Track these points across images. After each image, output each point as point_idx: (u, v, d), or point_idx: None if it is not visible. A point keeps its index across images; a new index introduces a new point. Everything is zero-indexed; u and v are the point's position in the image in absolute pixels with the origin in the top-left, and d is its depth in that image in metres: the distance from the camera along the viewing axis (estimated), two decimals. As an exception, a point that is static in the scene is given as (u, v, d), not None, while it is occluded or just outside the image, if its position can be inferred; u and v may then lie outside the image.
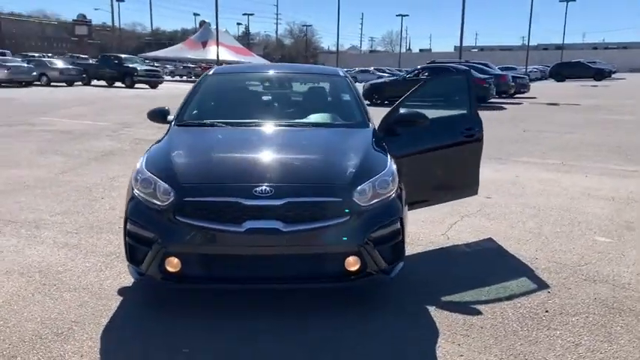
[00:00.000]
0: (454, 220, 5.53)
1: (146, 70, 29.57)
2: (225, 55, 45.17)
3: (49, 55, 46.60)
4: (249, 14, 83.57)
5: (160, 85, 30.15)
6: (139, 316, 3.35)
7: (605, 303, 3.66)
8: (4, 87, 25.57)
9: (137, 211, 3.32)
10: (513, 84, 23.53)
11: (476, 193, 5.15)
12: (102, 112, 16.31)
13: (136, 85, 29.00)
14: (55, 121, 13.66)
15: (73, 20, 80.00)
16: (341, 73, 5.10)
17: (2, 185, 6.71)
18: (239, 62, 46.57)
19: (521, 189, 7.02)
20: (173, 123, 4.33)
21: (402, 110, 4.56)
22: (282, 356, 2.92)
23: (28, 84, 26.40)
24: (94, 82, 30.66)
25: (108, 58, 30.57)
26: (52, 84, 27.72)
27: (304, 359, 2.90)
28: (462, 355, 2.95)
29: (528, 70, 46.62)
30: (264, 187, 3.18)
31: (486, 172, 8.08)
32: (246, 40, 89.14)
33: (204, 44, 43.86)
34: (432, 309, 3.50)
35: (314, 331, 3.19)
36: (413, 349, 3.01)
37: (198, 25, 66.04)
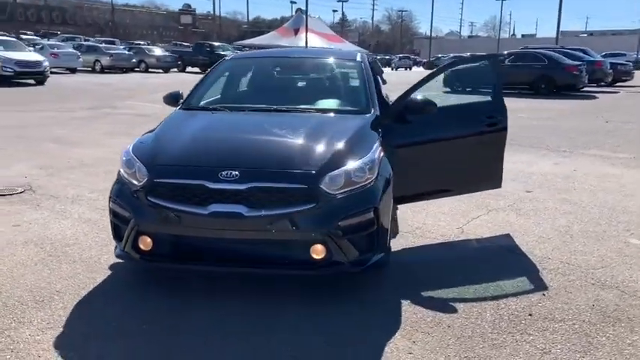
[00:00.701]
0: (478, 214, 5.27)
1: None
2: (316, 41, 45.60)
3: (149, 43, 49.39)
4: (343, 0, 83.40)
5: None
6: (115, 291, 3.51)
7: (603, 310, 3.35)
8: (106, 73, 27.51)
9: (119, 191, 3.48)
10: (611, 71, 21.75)
11: (499, 185, 4.87)
12: (183, 97, 17.11)
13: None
14: (136, 105, 14.52)
15: (179, 10, 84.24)
16: (358, 58, 4.98)
17: (62, 163, 7.26)
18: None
19: (570, 184, 6.54)
20: (178, 107, 4.47)
21: (410, 97, 4.40)
22: (241, 334, 2.95)
23: (128, 70, 28.19)
24: (189, 68, 32.12)
25: (201, 45, 31.90)
26: (149, 70, 29.43)
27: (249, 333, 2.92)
28: (410, 353, 2.83)
29: (640, 56, 42.88)
30: (229, 171, 3.22)
31: (543, 164, 7.66)
32: (341, 27, 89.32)
33: (296, 31, 44.48)
34: (405, 303, 3.38)
35: (276, 311, 3.19)
36: (362, 343, 2.93)
37: (294, 13, 66.82)
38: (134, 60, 28.38)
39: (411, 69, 55.25)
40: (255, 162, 3.35)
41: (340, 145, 3.57)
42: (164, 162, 3.39)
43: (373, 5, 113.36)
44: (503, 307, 3.37)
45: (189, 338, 2.93)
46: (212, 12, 73.28)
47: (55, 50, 25.12)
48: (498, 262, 4.13)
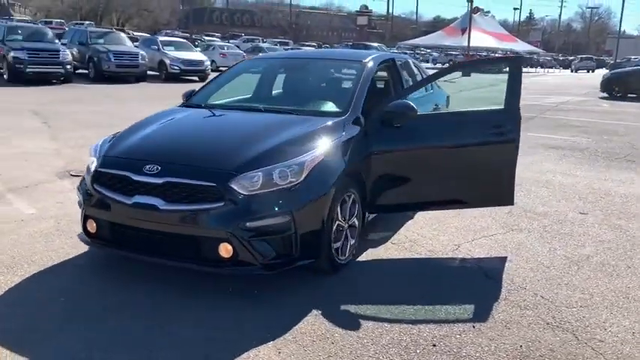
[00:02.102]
0: (493, 233, 4.80)
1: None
2: (484, 41, 43.65)
3: (321, 44, 51.53)
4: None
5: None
6: (75, 267, 3.90)
7: (529, 355, 2.91)
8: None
9: (81, 180, 3.90)
10: None
11: (510, 202, 4.43)
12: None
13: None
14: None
15: (356, 11, 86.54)
16: (366, 60, 4.82)
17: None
18: (497, 49, 44.60)
19: (646, 209, 5.60)
20: (180, 103, 4.78)
21: (392, 102, 4.19)
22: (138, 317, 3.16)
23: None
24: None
25: (357, 46, 32.61)
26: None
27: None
28: (267, 363, 2.78)
29: None
30: (152, 165, 3.42)
31: (614, 180, 6.68)
32: (518, 25, 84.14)
33: (463, 31, 42.96)
34: (313, 312, 3.28)
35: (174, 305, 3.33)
36: (226, 343, 2.92)
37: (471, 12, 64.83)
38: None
39: (593, 71, 50.22)
40: (176, 158, 3.51)
41: (273, 146, 3.57)
42: (111, 154, 3.71)
43: (562, 2, 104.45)
44: (414, 332, 3.10)
45: (97, 314, 3.19)
46: (386, 12, 74.13)
47: (224, 50, 27.59)
48: (462, 285, 3.76)
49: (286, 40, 48.58)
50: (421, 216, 5.11)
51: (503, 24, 69.39)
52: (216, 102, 4.66)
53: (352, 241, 3.99)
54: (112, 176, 3.54)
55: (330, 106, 4.37)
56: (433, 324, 3.20)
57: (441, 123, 4.45)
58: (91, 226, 3.68)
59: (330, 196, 3.56)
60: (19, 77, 16.60)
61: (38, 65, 16.92)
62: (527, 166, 7.55)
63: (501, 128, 4.32)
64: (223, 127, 4.05)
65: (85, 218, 3.70)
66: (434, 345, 2.98)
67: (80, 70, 19.60)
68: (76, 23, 45.43)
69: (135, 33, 32.75)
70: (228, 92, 4.94)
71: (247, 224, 3.26)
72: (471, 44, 41.02)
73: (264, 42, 47.97)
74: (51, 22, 43.62)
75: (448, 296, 3.56)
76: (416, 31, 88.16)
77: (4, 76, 17.14)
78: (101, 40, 20.14)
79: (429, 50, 53.39)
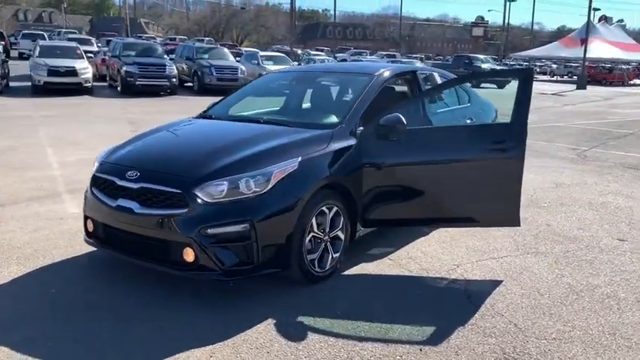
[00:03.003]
0: (503, 255, 4.54)
1: (492, 70, 29.46)
2: (607, 52, 40.46)
3: (433, 56, 50.75)
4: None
5: (507, 86, 29.71)
6: (81, 264, 4.24)
7: (461, 382, 2.76)
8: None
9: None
10: None
11: (516, 223, 4.20)
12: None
13: (483, 85, 29.32)
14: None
15: (471, 22, 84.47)
16: (376, 73, 4.76)
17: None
18: (621, 60, 41.28)
19: (702, 239, 4.98)
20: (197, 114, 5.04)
21: (384, 116, 4.13)
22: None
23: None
24: (448, 81, 32.21)
25: (460, 57, 31.73)
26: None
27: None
28: (191, 363, 2.88)
29: None
30: (133, 171, 3.68)
31: None
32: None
33: (582, 41, 40.18)
34: (268, 321, 3.33)
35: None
36: (165, 347, 3.05)
37: (597, 21, 60.90)
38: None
39: None
40: (154, 165, 3.73)
41: (247, 156, 3.67)
42: (106, 160, 4.02)
43: None
44: (355, 349, 3.06)
45: (71, 309, 3.48)
46: (513, 23, 71.35)
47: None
48: (436, 306, 3.61)
49: (393, 53, 48.40)
50: (438, 233, 4.96)
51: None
52: (227, 113, 4.86)
53: (335, 254, 3.98)
54: (104, 180, 3.85)
55: (323, 118, 4.41)
56: (381, 343, 3.13)
57: (437, 137, 4.30)
58: (90, 226, 4.02)
59: (300, 207, 3.60)
60: (130, 89, 18.14)
61: (147, 79, 18.38)
62: (590, 186, 7.02)
63: (504, 144, 4.11)
64: (210, 137, 4.24)
65: (85, 219, 4.04)
66: (364, 363, 2.92)
67: (189, 84, 20.95)
68: (198, 39, 48.66)
69: (245, 49, 34.44)
70: (245, 104, 5.13)
71: (208, 231, 3.40)
72: (592, 55, 38.32)
73: (370, 55, 48.30)
74: (174, 39, 47.05)
75: (414, 317, 3.45)
76: (535, 42, 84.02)
77: (118, 88, 18.82)
78: (206, 56, 21.44)
79: (547, 62, 50.61)
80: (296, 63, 25.81)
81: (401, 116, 4.06)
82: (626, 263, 4.40)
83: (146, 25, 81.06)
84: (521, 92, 4.18)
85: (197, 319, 3.34)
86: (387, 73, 4.78)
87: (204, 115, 4.89)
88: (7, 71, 19.04)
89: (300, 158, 3.72)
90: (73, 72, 17.58)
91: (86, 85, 17.91)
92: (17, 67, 22.02)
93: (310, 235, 3.75)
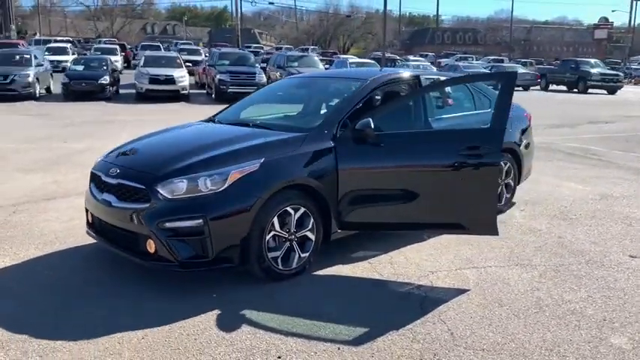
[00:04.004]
0: (488, 265, 4.40)
1: (602, 75, 27.38)
2: None
3: (555, 59, 48.11)
4: None
5: (619, 91, 27.51)
6: (84, 252, 4.67)
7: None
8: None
9: None
10: None
11: (494, 232, 4.10)
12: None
13: (591, 91, 27.38)
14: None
15: (593, 24, 78.83)
16: (371, 78, 4.80)
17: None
18: None
19: None
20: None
21: (360, 120, 4.19)
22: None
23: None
24: (553, 86, 30.44)
25: (567, 62, 29.81)
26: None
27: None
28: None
29: None
30: (115, 168, 4.07)
31: None
32: None
33: None
34: (213, 312, 3.53)
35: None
36: (106, 325, 3.34)
37: None
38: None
39: None
40: (132, 164, 4.09)
41: (213, 156, 3.92)
42: (103, 158, 4.46)
43: None
44: (277, 342, 3.18)
45: (56, 288, 3.93)
46: (629, 24, 65.65)
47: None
48: (389, 310, 3.61)
49: (501, 58, 46.61)
50: (435, 240, 4.89)
51: None
52: (228, 118, 5.14)
53: (304, 254, 4.11)
54: (96, 176, 4.29)
55: (302, 122, 4.55)
56: (305, 339, 3.23)
57: (412, 142, 4.28)
58: (89, 218, 4.48)
59: (258, 206, 3.78)
60: (222, 96, 19.17)
61: (237, 86, 19.34)
62: (617, 199, 6.47)
63: (479, 150, 4.02)
64: (191, 139, 4.53)
65: (86, 211, 4.51)
66: (279, 357, 3.03)
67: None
68: (302, 48, 50.10)
69: (343, 56, 34.92)
70: (259, 109, 5.39)
71: (166, 224, 3.69)
72: None
73: (476, 60, 46.84)
74: (281, 48, 48.77)
75: (357, 318, 3.49)
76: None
77: (212, 95, 20.01)
78: (296, 63, 22.17)
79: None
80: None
81: (370, 121, 4.10)
82: (619, 280, 4.09)
83: (259, 35, 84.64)
84: (502, 97, 4.08)
85: (150, 305, 3.63)
86: (380, 79, 4.81)
87: (209, 119, 5.22)
88: (117, 79, 20.99)
89: (263, 160, 3.90)
90: (171, 80, 18.99)
91: (183, 92, 19.26)
92: (132, 76, 24.12)
93: (272, 234, 3.91)
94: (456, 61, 45.88)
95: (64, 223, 5.39)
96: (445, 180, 4.14)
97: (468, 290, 3.91)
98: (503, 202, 5.87)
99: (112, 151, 4.57)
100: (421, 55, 52.40)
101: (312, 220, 4.12)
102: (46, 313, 3.53)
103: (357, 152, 4.24)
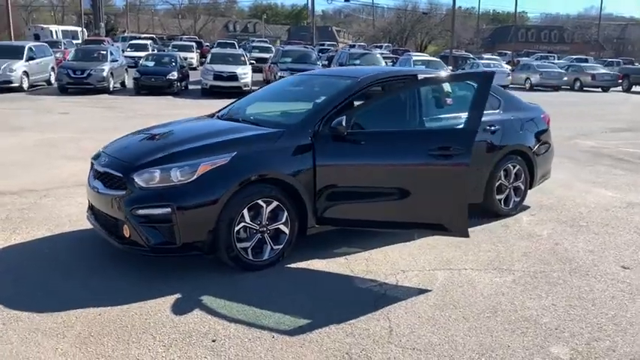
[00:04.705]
0: (463, 267, 4.34)
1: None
2: None
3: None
4: None
5: None
6: (88, 234, 5.05)
7: None
8: (535, 91, 27.54)
9: None
10: None
11: (464, 234, 4.05)
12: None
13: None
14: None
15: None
16: (360, 77, 4.82)
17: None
18: None
19: None
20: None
21: (336, 118, 4.26)
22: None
23: (558, 88, 27.41)
24: (637, 88, 28.54)
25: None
26: (584, 89, 27.74)
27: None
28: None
29: None
30: (105, 157, 4.37)
31: None
32: None
33: None
34: (174, 296, 3.74)
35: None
36: (71, 300, 3.63)
37: None
38: (565, 78, 27.36)
39: None
40: (119, 154, 4.36)
41: (190, 148, 4.13)
42: (102, 149, 4.77)
43: None
44: (217, 327, 3.34)
45: (51, 265, 4.29)
46: None
47: (486, 69, 27.05)
48: (341, 305, 3.67)
49: (585, 57, 44.15)
50: (424, 240, 4.85)
51: None
52: (227, 113, 5.33)
53: (277, 246, 4.24)
54: (92, 164, 4.62)
55: (287, 118, 4.66)
56: (245, 325, 3.36)
57: (388, 141, 4.28)
58: (89, 204, 4.82)
59: (226, 198, 3.94)
60: (283, 93, 19.63)
61: (298, 83, 19.72)
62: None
63: (450, 150, 3.98)
64: (180, 132, 4.73)
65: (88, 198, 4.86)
66: (213, 340, 3.18)
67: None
68: (376, 46, 49.94)
69: (415, 54, 34.40)
70: (256, 105, 5.55)
71: (139, 211, 3.93)
72: None
73: (559, 59, 44.72)
74: (354, 46, 48.84)
75: (303, 310, 3.58)
76: None
77: (274, 92, 20.47)
78: (357, 61, 22.21)
79: None
80: (450, 68, 25.25)
81: (344, 119, 4.16)
82: (594, 291, 3.90)
83: (337, 32, 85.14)
84: (479, 98, 4.01)
85: (121, 285, 3.89)
86: (371, 78, 4.83)
87: (211, 115, 5.45)
88: (186, 75, 21.91)
89: (235, 153, 4.06)
90: (234, 77, 19.60)
91: (245, 88, 19.77)
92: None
93: (241, 225, 4.06)
94: (535, 60, 43.99)
95: (81, 208, 5.79)
96: (417, 180, 4.13)
97: (430, 291, 3.88)
98: (511, 206, 5.71)
99: (108, 144, 4.89)
100: (499, 54, 50.72)
101: (285, 213, 4.22)
102: (28, 286, 3.87)
103: (336, 150, 4.30)
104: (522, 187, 5.78)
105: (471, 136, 3.93)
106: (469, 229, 4.90)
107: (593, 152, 9.91)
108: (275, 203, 4.17)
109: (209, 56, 21.77)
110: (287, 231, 4.27)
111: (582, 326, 3.38)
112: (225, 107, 5.58)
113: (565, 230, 5.27)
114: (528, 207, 5.98)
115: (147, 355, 3.02)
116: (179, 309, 3.56)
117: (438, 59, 26.00)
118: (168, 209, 3.88)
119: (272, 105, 5.49)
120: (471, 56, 35.48)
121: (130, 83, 20.96)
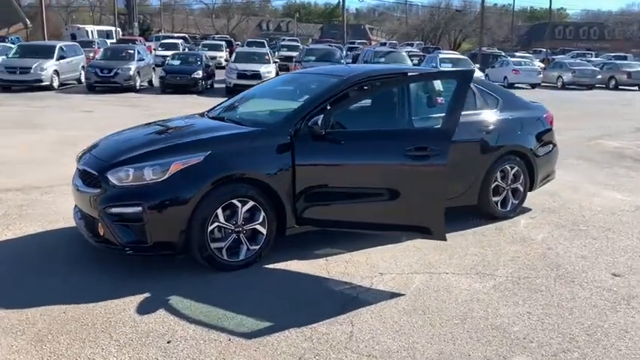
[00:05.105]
0: (443, 272, 4.20)
1: None
2: None
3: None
4: None
5: None
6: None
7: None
8: (567, 89, 26.73)
9: None
10: None
11: (441, 237, 3.94)
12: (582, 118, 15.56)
13: None
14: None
15: None
16: (347, 75, 4.72)
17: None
18: None
19: None
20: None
21: (314, 117, 4.18)
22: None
23: (592, 87, 26.55)
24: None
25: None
26: (619, 88, 26.77)
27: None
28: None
29: None
30: (86, 155, 4.40)
31: None
32: None
33: None
34: (143, 295, 3.72)
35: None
36: (48, 293, 3.66)
37: None
38: (599, 76, 26.47)
39: None
40: (98, 152, 4.38)
41: (162, 148, 4.13)
42: (89, 147, 4.81)
43: None
44: (176, 328, 3.31)
45: (33, 261, 4.34)
46: None
47: (517, 67, 26.40)
48: (309, 307, 3.60)
49: (624, 55, 42.72)
50: (412, 242, 4.72)
51: None
52: (216, 112, 5.29)
53: (253, 247, 4.19)
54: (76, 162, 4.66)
55: (266, 117, 4.61)
56: (206, 328, 3.32)
57: (366, 141, 4.18)
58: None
59: (198, 197, 3.91)
60: (306, 91, 19.62)
61: (320, 81, 19.68)
62: None
63: (427, 150, 3.87)
64: (162, 131, 4.72)
65: (77, 195, 4.91)
66: (168, 342, 3.15)
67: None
68: (407, 44, 49.47)
69: (446, 52, 33.83)
70: (245, 103, 5.51)
71: (112, 209, 3.94)
72: None
73: (596, 56, 43.48)
74: (385, 44, 48.48)
75: (269, 312, 3.52)
76: None
77: (297, 90, 20.48)
78: (382, 60, 22.00)
79: None
80: (477, 66, 24.74)
81: (319, 118, 4.08)
82: (577, 299, 3.73)
83: (370, 30, 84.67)
84: (456, 96, 3.88)
85: (93, 282, 3.91)
86: (356, 77, 4.72)
87: (201, 113, 5.43)
88: (211, 74, 22.09)
89: (208, 152, 4.03)
90: (257, 75, 19.64)
91: (268, 86, 19.89)
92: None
93: (215, 225, 4.02)
94: (571, 57, 42.82)
95: (79, 205, 5.88)
96: (395, 181, 4.02)
97: (403, 295, 3.77)
98: (509, 209, 5.53)
99: (99, 140, 4.93)
100: (534, 52, 49.58)
101: (262, 214, 4.17)
102: (3, 282, 3.92)
103: (316, 149, 4.22)
104: (521, 189, 5.59)
105: (448, 137, 3.80)
106: (462, 232, 4.83)
107: (614, 153, 9.55)
108: (251, 203, 4.13)
109: (234, 55, 21.90)
110: (264, 231, 4.22)
111: (553, 336, 3.22)
112: (216, 106, 5.56)
113: (562, 234, 5.06)
114: (529, 209, 5.78)
115: (99, 354, 3.01)
116: (144, 308, 3.55)
117: (466, 57, 25.53)
118: (139, 208, 3.87)
119: (261, 103, 5.44)
120: (503, 54, 34.68)
121: (157, 82, 21.26)
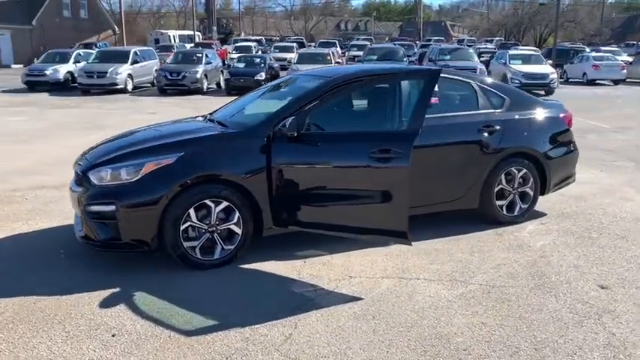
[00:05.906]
0: (416, 277, 4.06)
1: None
2: None
3: None
4: None
5: None
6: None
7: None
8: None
9: None
10: None
11: (403, 241, 3.84)
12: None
13: None
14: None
15: None
16: (332, 76, 4.67)
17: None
18: None
19: None
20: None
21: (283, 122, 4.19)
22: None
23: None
24: None
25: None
26: None
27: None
28: None
29: None
30: (80, 157, 4.65)
31: None
32: None
33: None
34: (110, 291, 3.90)
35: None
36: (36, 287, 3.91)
37: None
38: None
39: None
40: (91, 155, 4.58)
41: (141, 149, 4.29)
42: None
43: None
44: (128, 321, 3.43)
45: (38, 257, 4.66)
46: None
47: (597, 62, 24.79)
48: (265, 308, 3.62)
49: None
50: (397, 247, 4.60)
51: None
52: (214, 115, 5.40)
53: (228, 246, 4.27)
54: (77, 163, 4.94)
55: (247, 119, 4.64)
56: (153, 324, 3.42)
57: (336, 143, 4.12)
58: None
59: (169, 197, 4.04)
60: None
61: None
62: None
63: (390, 153, 3.77)
64: (150, 133, 4.85)
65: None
66: (113, 335, 3.28)
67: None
68: (486, 40, 47.90)
69: (527, 48, 32.36)
70: (240, 106, 5.56)
71: (91, 207, 4.15)
72: None
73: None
74: (463, 40, 47.23)
75: (218, 311, 3.57)
76: None
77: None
78: (447, 57, 21.46)
79: None
80: (550, 62, 23.46)
81: (288, 120, 4.08)
82: (544, 310, 3.48)
83: (451, 27, 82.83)
84: (421, 96, 3.76)
85: (77, 276, 4.12)
86: (342, 78, 4.65)
87: (204, 116, 5.57)
88: (275, 75, 22.46)
89: (182, 153, 4.14)
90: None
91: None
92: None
93: (187, 224, 4.13)
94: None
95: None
96: (362, 183, 3.95)
97: (361, 300, 3.70)
98: (516, 213, 5.25)
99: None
100: (627, 45, 46.36)
101: (237, 214, 4.23)
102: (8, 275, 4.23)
103: (291, 151, 4.22)
104: (530, 193, 5.28)
105: (411, 139, 3.68)
106: (457, 237, 4.67)
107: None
108: (225, 203, 4.20)
109: (296, 56, 22.18)
110: (240, 231, 4.28)
111: (496, 349, 3.04)
112: (220, 107, 5.69)
113: (565, 242, 4.74)
114: (544, 214, 5.47)
115: (44, 344, 3.19)
116: (107, 302, 3.71)
117: (539, 53, 24.32)
118: (113, 207, 4.05)
119: (257, 105, 5.48)
120: (586, 49, 32.71)
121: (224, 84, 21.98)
